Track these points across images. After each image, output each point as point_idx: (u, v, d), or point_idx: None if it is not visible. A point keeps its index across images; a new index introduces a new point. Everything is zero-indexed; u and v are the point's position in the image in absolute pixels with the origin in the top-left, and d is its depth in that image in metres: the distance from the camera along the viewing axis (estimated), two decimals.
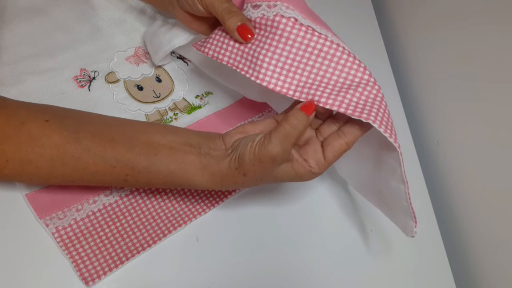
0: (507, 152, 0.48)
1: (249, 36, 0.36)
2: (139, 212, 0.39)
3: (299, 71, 0.35)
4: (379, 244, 0.47)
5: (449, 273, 0.48)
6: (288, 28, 0.34)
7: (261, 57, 0.35)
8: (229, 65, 0.37)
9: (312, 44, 0.35)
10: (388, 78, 0.60)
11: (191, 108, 0.47)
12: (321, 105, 0.33)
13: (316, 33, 0.35)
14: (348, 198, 0.48)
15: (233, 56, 0.37)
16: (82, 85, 0.44)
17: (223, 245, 0.41)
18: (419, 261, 0.48)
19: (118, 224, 0.38)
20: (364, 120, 0.32)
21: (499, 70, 0.49)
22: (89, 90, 0.44)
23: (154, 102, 0.46)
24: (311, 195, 0.47)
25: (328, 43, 0.35)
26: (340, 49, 0.35)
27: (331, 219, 0.46)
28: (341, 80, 0.35)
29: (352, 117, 0.33)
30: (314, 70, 0.35)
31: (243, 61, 0.36)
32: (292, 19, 0.34)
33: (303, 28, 0.35)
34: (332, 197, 0.47)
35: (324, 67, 0.35)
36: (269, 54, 0.35)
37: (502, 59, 0.49)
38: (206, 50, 0.38)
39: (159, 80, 0.47)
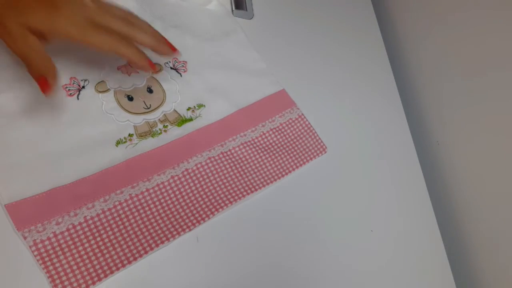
0: (507, 152, 0.48)
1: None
2: (121, 227, 0.39)
3: None
4: (379, 244, 0.47)
5: (449, 272, 0.48)
6: None
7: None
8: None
9: None
10: (388, 78, 0.60)
11: (182, 121, 0.46)
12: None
13: None
14: (348, 198, 0.48)
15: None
16: (70, 93, 0.43)
17: (223, 245, 0.41)
18: (419, 261, 0.48)
19: (98, 238, 0.37)
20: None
21: (499, 70, 0.49)
22: (78, 99, 0.43)
23: (144, 113, 0.45)
24: (311, 195, 0.47)
25: None
26: None
27: (331, 220, 0.46)
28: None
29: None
30: None
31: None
32: None
33: None
34: (332, 197, 0.48)
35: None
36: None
37: (502, 59, 0.49)
38: None
39: (150, 91, 0.46)
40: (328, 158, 0.50)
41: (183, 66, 0.49)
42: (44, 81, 0.35)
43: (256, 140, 0.48)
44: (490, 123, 0.51)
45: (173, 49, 0.43)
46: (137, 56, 0.39)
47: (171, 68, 0.49)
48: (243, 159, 0.46)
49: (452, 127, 0.57)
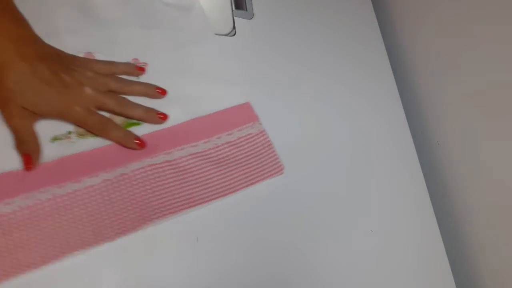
0: (507, 152, 0.48)
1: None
2: (37, 227, 0.36)
3: None
4: (379, 244, 0.47)
5: (449, 272, 0.48)
6: None
7: None
8: None
9: None
10: (388, 78, 0.60)
11: (128, 124, 0.44)
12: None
13: None
14: (348, 198, 0.48)
15: None
16: None
17: (223, 245, 0.41)
18: (419, 261, 0.48)
19: (9, 237, 0.35)
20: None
21: (499, 70, 0.49)
22: None
23: None
24: (311, 195, 0.47)
25: None
26: None
27: (331, 219, 0.46)
28: None
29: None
30: None
31: None
32: None
33: None
34: (331, 197, 0.48)
35: None
36: None
37: (503, 58, 0.49)
38: None
39: None
40: (329, 158, 0.50)
41: (142, 67, 0.47)
42: (29, 158, 0.38)
43: (207, 152, 0.44)
44: (491, 123, 0.51)
45: (162, 116, 0.45)
46: (124, 140, 0.42)
47: None
48: (189, 170, 0.43)
49: (452, 127, 0.57)
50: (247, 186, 0.44)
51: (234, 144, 0.46)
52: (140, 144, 0.42)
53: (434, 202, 0.52)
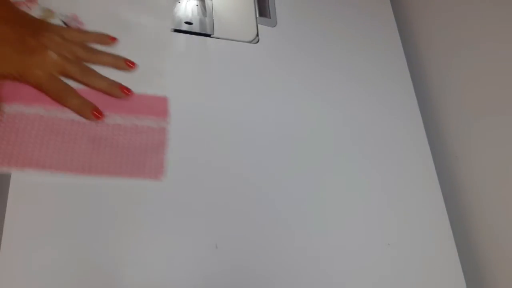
0: None
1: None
2: None
3: None
4: (396, 259, 0.47)
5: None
6: None
7: None
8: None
9: None
10: (408, 90, 0.60)
11: None
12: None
13: None
14: (366, 212, 0.48)
15: None
16: None
17: (242, 252, 0.41)
18: (436, 278, 0.48)
19: None
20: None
21: None
22: None
23: None
24: (329, 208, 0.47)
25: None
26: None
27: (348, 232, 0.46)
28: None
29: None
30: None
31: None
32: None
33: None
34: (348, 211, 0.48)
35: None
36: None
37: None
38: None
39: None
40: (347, 171, 0.50)
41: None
42: None
43: (88, 124, 0.42)
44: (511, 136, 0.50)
45: (126, 91, 0.43)
46: (81, 108, 0.41)
47: (63, 22, 0.45)
48: (60, 133, 0.40)
49: (471, 142, 0.56)
50: (111, 175, 0.40)
51: (125, 129, 0.43)
52: (97, 115, 0.41)
53: (451, 218, 0.52)
